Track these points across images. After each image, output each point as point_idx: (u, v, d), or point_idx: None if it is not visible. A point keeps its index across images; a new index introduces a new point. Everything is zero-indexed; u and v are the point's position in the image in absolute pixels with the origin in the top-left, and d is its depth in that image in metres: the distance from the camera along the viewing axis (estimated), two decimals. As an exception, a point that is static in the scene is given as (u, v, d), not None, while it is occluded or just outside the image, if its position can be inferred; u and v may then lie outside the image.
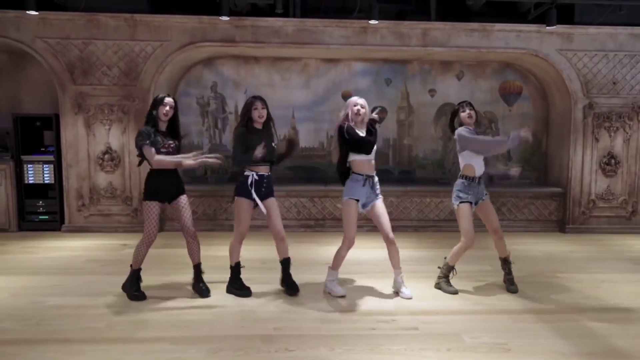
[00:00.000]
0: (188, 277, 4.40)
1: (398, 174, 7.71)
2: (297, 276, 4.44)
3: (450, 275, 4.35)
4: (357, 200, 4.05)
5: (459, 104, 4.32)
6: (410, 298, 4.10)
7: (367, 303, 4.01)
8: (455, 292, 4.24)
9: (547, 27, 6.42)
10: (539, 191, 7.21)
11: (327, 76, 7.57)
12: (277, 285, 4.34)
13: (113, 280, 4.35)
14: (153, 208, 4.01)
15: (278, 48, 6.71)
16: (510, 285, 4.30)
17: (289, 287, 4.26)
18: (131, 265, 4.10)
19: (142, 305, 3.92)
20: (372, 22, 6.22)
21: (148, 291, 4.14)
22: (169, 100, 4.07)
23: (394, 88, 7.62)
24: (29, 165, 6.63)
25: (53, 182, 6.68)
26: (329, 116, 7.56)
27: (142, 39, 6.47)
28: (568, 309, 3.92)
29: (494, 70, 7.66)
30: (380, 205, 4.10)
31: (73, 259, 5.25)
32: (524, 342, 3.29)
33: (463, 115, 4.20)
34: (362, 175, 4.04)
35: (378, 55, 7.21)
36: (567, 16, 6.75)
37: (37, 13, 6.04)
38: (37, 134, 6.68)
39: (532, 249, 5.98)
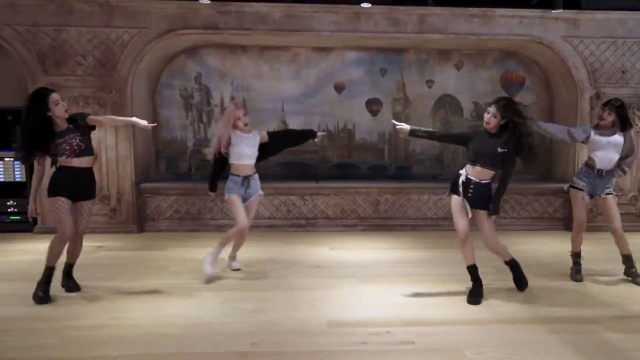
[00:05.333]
0: (161, 282, 4.09)
1: (394, 170, 7.27)
2: (286, 281, 4.07)
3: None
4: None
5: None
6: None
7: (358, 312, 3.58)
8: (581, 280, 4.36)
9: (553, 12, 6.00)
10: (543, 187, 6.80)
11: (318, 66, 7.13)
12: (253, 293, 3.93)
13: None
14: (62, 204, 3.67)
15: (265, 35, 6.29)
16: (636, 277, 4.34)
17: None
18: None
19: (103, 316, 3.50)
20: (365, 5, 5.81)
21: (115, 298, 3.78)
22: (54, 95, 3.63)
23: (389, 79, 7.19)
24: (-2, 162, 6.24)
25: (25, 180, 6.24)
26: (321, 108, 7.14)
27: (119, 26, 6.04)
28: (583, 318, 3.49)
29: (495, 60, 7.24)
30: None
31: (39, 263, 4.76)
32: (534, 358, 2.88)
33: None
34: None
35: (372, 43, 6.77)
36: (573, 0, 6.32)
37: (3, -3, 5.62)
38: (7, 128, 6.24)
39: (537, 249, 5.57)
